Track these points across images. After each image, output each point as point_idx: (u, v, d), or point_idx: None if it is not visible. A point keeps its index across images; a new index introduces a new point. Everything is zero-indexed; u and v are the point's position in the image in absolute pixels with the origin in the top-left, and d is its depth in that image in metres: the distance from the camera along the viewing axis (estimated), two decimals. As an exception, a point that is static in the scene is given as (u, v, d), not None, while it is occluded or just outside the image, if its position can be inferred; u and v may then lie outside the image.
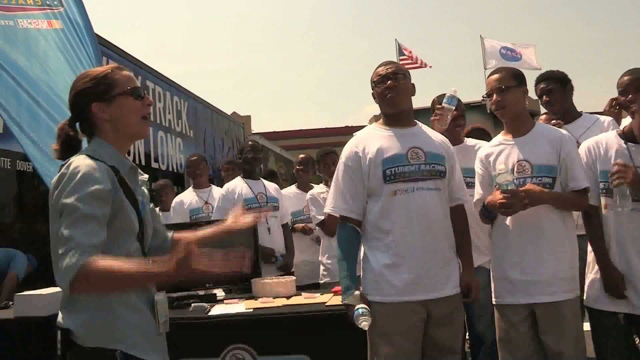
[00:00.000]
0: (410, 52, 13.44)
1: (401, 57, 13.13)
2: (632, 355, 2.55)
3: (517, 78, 2.69)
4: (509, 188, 2.48)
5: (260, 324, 2.84)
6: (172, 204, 5.09)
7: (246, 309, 2.97)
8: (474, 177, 2.82)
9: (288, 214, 4.64)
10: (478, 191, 2.75)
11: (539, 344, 2.55)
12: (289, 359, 2.79)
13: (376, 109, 2.65)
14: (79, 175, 1.61)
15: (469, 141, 3.42)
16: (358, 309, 2.31)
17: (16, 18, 3.89)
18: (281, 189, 4.83)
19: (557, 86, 3.60)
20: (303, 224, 4.73)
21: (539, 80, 3.69)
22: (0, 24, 3.78)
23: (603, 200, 2.62)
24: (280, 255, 4.32)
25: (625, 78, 2.74)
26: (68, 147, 1.79)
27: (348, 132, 13.66)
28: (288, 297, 3.19)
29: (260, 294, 3.26)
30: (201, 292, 3.30)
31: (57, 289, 1.81)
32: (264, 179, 4.72)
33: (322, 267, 4.32)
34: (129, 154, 2.21)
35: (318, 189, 4.56)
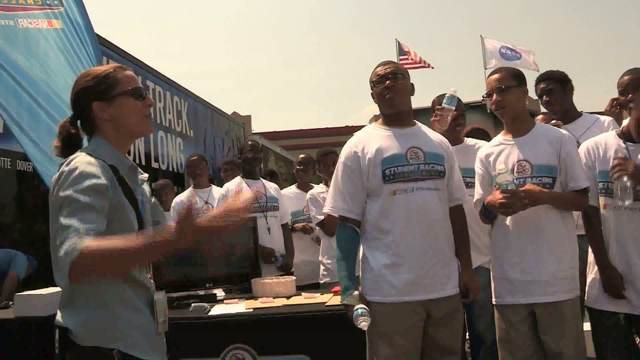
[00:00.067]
0: (411, 51, 13.44)
1: (401, 57, 13.13)
2: (632, 355, 2.56)
3: (518, 78, 2.69)
4: (509, 188, 2.48)
5: (260, 324, 2.84)
6: (172, 204, 5.09)
7: (246, 309, 2.97)
8: (474, 177, 2.82)
9: (288, 214, 4.63)
10: (478, 191, 2.75)
11: (539, 344, 2.55)
12: (289, 359, 2.78)
13: (376, 109, 2.65)
14: (77, 171, 1.61)
15: (469, 141, 3.42)
16: (357, 309, 2.31)
17: (16, 18, 3.89)
18: (281, 189, 4.83)
19: (557, 86, 3.60)
20: (303, 223, 4.73)
21: (539, 80, 3.69)
22: (0, 24, 3.78)
23: (602, 200, 2.63)
24: (280, 255, 4.32)
25: (626, 78, 2.75)
26: (69, 145, 1.79)
27: (348, 132, 13.63)
28: (288, 297, 3.18)
29: (260, 294, 3.26)
30: (201, 292, 3.30)
31: (57, 289, 1.81)
32: (264, 178, 4.73)
33: (322, 267, 4.32)
34: (129, 153, 2.20)
35: (318, 189, 4.56)
